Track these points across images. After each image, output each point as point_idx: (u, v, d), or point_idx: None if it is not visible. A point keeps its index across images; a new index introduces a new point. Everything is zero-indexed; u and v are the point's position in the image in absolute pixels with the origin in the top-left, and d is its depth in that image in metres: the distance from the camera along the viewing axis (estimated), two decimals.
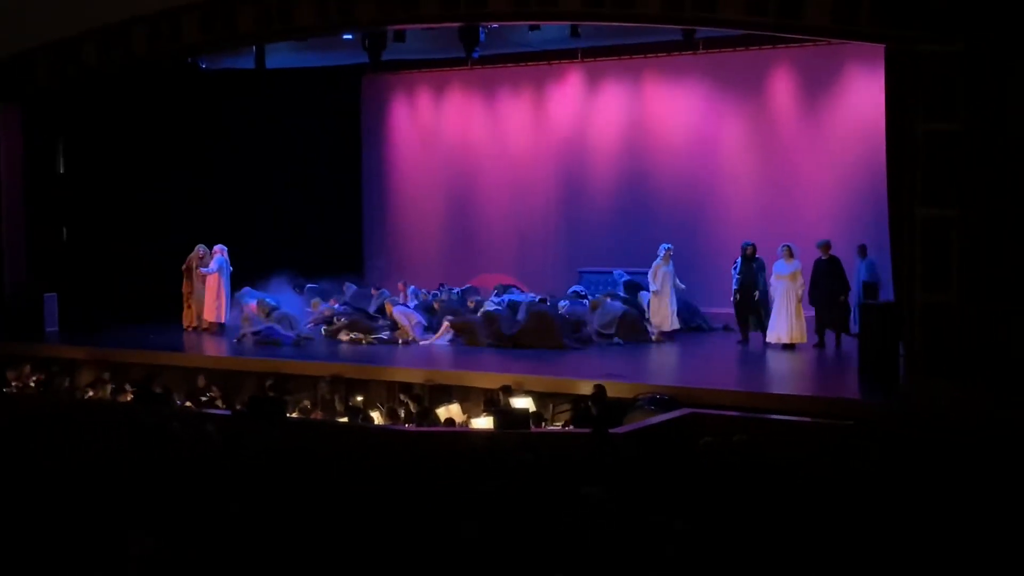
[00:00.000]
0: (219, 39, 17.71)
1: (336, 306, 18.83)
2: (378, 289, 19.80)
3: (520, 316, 17.26)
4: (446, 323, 17.56)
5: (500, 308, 17.74)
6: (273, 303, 18.45)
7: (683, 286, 17.53)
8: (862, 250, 17.01)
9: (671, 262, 17.32)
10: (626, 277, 18.95)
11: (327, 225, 23.11)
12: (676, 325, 17.37)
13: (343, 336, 17.77)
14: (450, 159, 23.36)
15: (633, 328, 17.23)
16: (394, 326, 17.85)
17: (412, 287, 19.71)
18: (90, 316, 19.27)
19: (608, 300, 17.82)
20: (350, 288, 19.66)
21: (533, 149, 22.48)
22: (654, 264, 17.36)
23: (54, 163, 20.88)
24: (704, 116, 20.94)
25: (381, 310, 18.53)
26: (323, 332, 18.17)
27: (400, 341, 17.46)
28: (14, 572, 6.73)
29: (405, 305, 18.44)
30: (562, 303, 18.06)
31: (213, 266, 18.89)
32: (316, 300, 19.19)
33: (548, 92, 22.40)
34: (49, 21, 18.20)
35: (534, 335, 16.82)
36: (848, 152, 19.30)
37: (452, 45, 17.81)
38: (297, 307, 19.29)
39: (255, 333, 17.68)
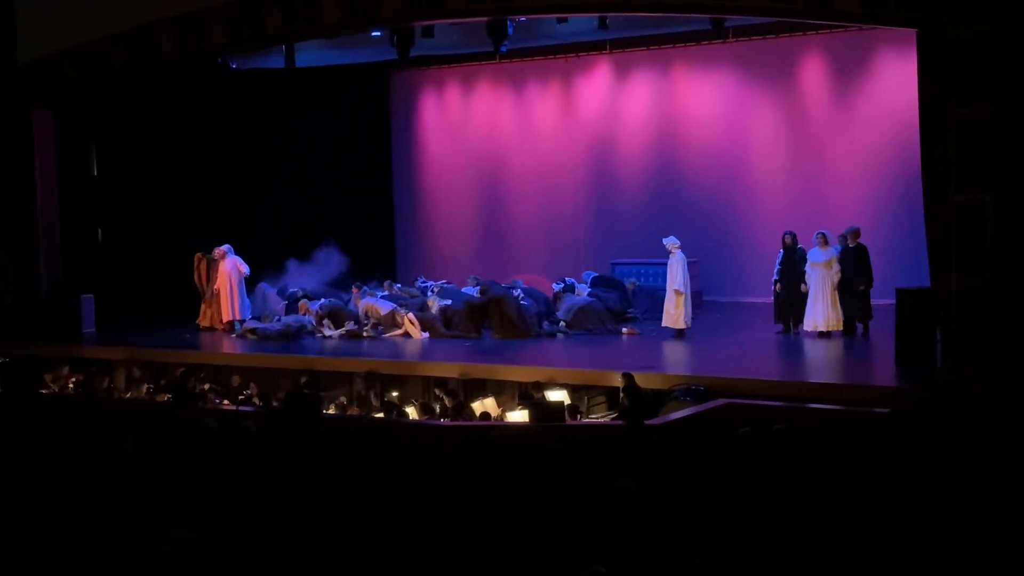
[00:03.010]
0: (246, 39, 17.77)
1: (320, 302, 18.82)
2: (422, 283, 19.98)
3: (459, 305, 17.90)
4: (409, 316, 17.77)
5: (452, 304, 17.97)
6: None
7: (676, 286, 16.37)
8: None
9: (676, 255, 16.59)
10: (595, 275, 19.37)
11: (359, 222, 23.10)
12: (683, 324, 16.55)
13: (337, 331, 17.94)
14: (480, 153, 23.33)
15: (589, 320, 17.54)
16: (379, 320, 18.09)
17: (398, 285, 19.81)
18: (126, 317, 19.39)
19: (570, 293, 18.23)
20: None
21: (563, 142, 22.43)
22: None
23: (87, 165, 21.03)
24: (735, 105, 20.80)
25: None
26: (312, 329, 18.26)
27: (364, 333, 17.72)
28: (54, 567, 6.80)
29: (375, 297, 18.61)
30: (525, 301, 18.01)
31: (245, 268, 18.87)
32: (303, 302, 19.05)
33: (577, 84, 22.33)
34: (77, 25, 18.35)
35: (500, 326, 17.37)
36: (881, 138, 19.15)
37: (480, 39, 17.83)
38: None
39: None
